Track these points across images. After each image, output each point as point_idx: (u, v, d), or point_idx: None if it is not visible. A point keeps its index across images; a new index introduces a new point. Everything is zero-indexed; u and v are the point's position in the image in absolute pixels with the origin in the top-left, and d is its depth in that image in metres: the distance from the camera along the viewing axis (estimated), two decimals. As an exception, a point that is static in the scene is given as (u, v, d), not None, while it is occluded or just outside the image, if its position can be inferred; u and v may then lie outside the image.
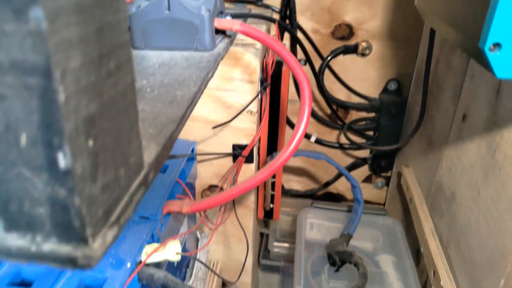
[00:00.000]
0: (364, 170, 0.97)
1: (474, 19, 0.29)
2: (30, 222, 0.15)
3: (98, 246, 0.16)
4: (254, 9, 0.77)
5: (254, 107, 0.56)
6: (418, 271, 0.66)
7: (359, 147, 0.92)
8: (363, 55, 0.85)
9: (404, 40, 0.83)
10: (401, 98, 0.86)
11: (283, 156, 0.42)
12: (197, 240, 0.62)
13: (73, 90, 0.15)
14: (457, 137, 0.58)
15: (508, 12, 0.26)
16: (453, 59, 0.63)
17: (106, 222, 0.17)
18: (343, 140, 0.93)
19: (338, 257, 0.61)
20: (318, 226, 0.75)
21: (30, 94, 0.14)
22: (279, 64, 0.62)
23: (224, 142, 0.59)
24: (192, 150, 0.55)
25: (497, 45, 0.28)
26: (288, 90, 0.67)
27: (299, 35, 0.84)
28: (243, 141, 0.59)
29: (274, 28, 0.69)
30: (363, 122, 0.91)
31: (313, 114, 0.91)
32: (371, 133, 0.91)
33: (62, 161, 0.14)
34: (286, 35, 0.84)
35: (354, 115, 0.91)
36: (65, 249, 0.16)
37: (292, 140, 0.42)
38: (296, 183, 1.01)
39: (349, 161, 0.96)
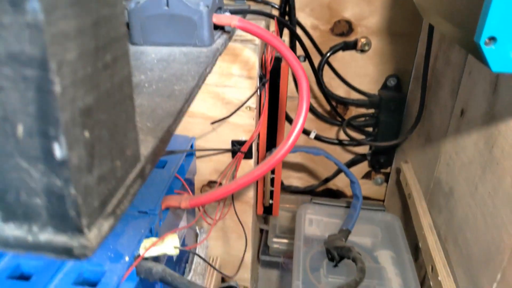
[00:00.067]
0: (363, 167, 0.97)
1: (470, 13, 0.30)
2: (27, 212, 0.16)
3: (94, 236, 0.16)
4: (254, 6, 0.78)
5: (253, 103, 0.57)
6: (417, 267, 0.67)
7: (358, 143, 0.92)
8: (362, 51, 0.85)
9: (403, 36, 0.83)
10: (400, 94, 0.86)
11: (281, 151, 0.42)
12: (197, 235, 0.62)
13: (70, 81, 0.15)
14: (455, 132, 0.58)
15: (503, 6, 0.26)
16: (452, 55, 0.63)
17: (102, 212, 0.17)
18: (342, 136, 0.93)
19: (337, 253, 0.61)
20: (317, 222, 0.76)
21: (27, 85, 0.15)
22: (278, 60, 0.62)
23: (223, 138, 0.59)
24: (191, 146, 0.55)
25: (492, 39, 0.28)
26: (287, 87, 0.67)
27: (299, 31, 0.84)
28: (242, 137, 0.59)
29: (273, 25, 0.69)
30: (363, 119, 0.91)
31: (313, 111, 0.91)
32: (370, 129, 0.91)
33: (58, 151, 0.15)
34: (286, 32, 0.84)
35: (353, 111, 0.91)
36: (61, 239, 0.16)
37: (290, 135, 0.42)
38: (295, 180, 1.01)
39: (348, 157, 0.96)
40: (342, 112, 0.91)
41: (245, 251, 0.61)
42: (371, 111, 0.90)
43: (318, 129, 0.93)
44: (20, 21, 0.14)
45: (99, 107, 0.17)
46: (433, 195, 0.66)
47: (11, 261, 0.31)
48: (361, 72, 0.87)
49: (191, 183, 0.59)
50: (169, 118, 0.27)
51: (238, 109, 0.55)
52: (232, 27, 0.45)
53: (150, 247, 0.35)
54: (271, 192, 0.73)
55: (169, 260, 0.48)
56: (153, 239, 0.36)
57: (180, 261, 0.54)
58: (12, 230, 0.16)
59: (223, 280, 0.70)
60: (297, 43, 0.83)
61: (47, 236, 0.16)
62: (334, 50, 0.85)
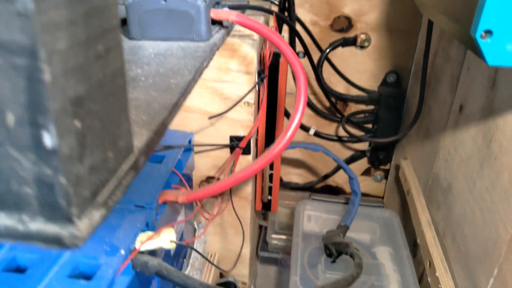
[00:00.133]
0: (363, 163, 0.97)
1: (466, 7, 0.29)
2: (17, 201, 0.16)
3: (84, 226, 0.17)
4: (253, 1, 0.77)
5: (251, 98, 0.57)
6: (415, 263, 0.67)
7: (358, 139, 0.92)
8: (362, 47, 0.85)
9: (403, 32, 0.82)
10: (400, 90, 0.86)
11: (279, 145, 0.42)
12: (195, 230, 0.62)
13: (60, 71, 0.15)
14: (454, 128, 0.58)
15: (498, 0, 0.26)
16: (451, 50, 0.62)
17: (93, 203, 0.17)
18: (341, 133, 0.93)
19: (335, 248, 0.61)
20: (316, 218, 0.76)
21: (17, 74, 0.15)
22: (276, 56, 0.62)
23: (221, 133, 0.59)
24: (189, 142, 0.56)
25: (488, 32, 0.28)
26: (286, 82, 0.67)
27: (298, 27, 0.84)
28: (240, 132, 0.59)
29: (273, 20, 0.69)
30: (362, 115, 0.91)
31: (312, 107, 0.91)
32: (370, 125, 0.91)
33: (49, 140, 0.15)
34: (285, 28, 0.84)
35: (353, 107, 0.91)
36: (52, 228, 0.16)
37: (287, 129, 0.42)
38: (295, 176, 1.01)
39: (347, 153, 0.96)
40: (342, 109, 0.91)
41: (242, 246, 0.62)
42: (371, 107, 0.90)
43: (318, 126, 0.92)
44: (10, 10, 0.14)
45: (91, 98, 0.17)
46: (432, 191, 0.66)
47: (7, 254, 0.32)
48: (360, 68, 0.87)
49: (189, 178, 0.59)
50: (164, 111, 0.27)
51: (236, 104, 0.55)
52: (230, 22, 0.45)
53: (146, 241, 0.35)
54: (270, 188, 0.73)
55: (166, 255, 0.48)
56: (149, 233, 0.36)
57: (178, 256, 0.54)
58: (2, 219, 0.16)
59: (221, 276, 0.70)
60: (297, 39, 0.83)
61: (37, 225, 0.16)
62: (334, 46, 0.84)
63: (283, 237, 0.87)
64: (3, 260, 0.31)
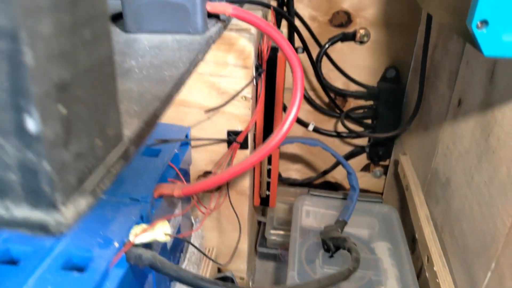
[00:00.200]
0: (362, 159, 0.97)
1: (463, -4, 0.29)
2: (1, 187, 0.16)
3: (70, 213, 0.16)
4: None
5: (248, 92, 0.56)
6: (414, 258, 0.67)
7: (357, 135, 0.92)
8: (361, 42, 0.84)
9: (403, 27, 0.82)
10: (399, 86, 0.86)
11: (275, 139, 0.42)
12: (192, 225, 0.62)
13: (44, 55, 0.15)
14: (452, 122, 0.58)
15: (494, -13, 0.26)
16: (450, 45, 0.62)
17: (80, 190, 0.17)
18: (341, 128, 0.93)
19: (332, 243, 0.61)
20: (314, 213, 0.76)
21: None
22: (274, 51, 0.61)
23: (219, 128, 0.59)
24: (186, 136, 0.55)
25: (484, 22, 0.28)
26: (284, 78, 0.66)
27: (297, 22, 0.83)
28: (238, 127, 0.59)
29: (271, 15, 0.68)
30: (361, 110, 0.90)
31: (311, 103, 0.91)
32: (369, 121, 0.91)
33: (32, 125, 0.14)
34: (284, 23, 0.84)
35: (352, 103, 0.91)
36: (37, 215, 0.16)
37: (284, 122, 0.42)
38: (294, 172, 1.01)
39: (347, 149, 0.95)
40: (341, 104, 0.91)
41: (239, 240, 0.61)
42: (370, 103, 0.89)
43: (317, 122, 0.92)
44: (-9, -7, 0.14)
45: (77, 84, 0.17)
46: (430, 186, 0.66)
47: (0, 246, 0.31)
48: (360, 64, 0.87)
49: (186, 173, 0.59)
50: (156, 102, 0.27)
51: (232, 98, 0.55)
52: (227, 15, 0.45)
53: (140, 234, 0.35)
54: (268, 183, 0.73)
55: (163, 249, 0.48)
56: (144, 225, 0.36)
57: (175, 251, 0.54)
58: (-13, 206, 0.16)
59: (219, 271, 0.70)
60: (295, 35, 0.82)
61: (22, 212, 0.16)
62: (333, 41, 0.84)
63: (282, 232, 0.87)
64: (-4, 252, 0.31)
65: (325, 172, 0.98)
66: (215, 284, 0.34)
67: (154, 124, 0.25)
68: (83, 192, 0.17)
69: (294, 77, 0.42)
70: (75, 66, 0.17)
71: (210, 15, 0.46)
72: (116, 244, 0.33)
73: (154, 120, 0.25)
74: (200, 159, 0.61)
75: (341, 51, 0.86)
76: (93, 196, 0.18)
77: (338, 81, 0.88)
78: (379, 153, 0.93)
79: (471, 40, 0.30)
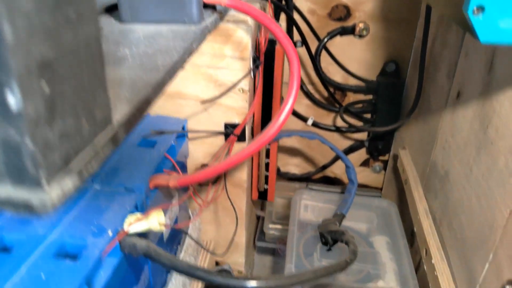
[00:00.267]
0: (361, 154, 0.97)
1: (458, -19, 0.29)
2: (-16, 165, 0.15)
3: (55, 193, 0.16)
4: (250, -11, 0.76)
5: (246, 85, 0.56)
6: (412, 253, 0.66)
7: (356, 129, 0.91)
8: (360, 36, 0.84)
9: (402, 21, 0.81)
10: (399, 80, 0.85)
11: (271, 129, 0.42)
12: (190, 218, 0.62)
13: (24, 31, 0.15)
14: (451, 115, 0.58)
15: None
16: (449, 37, 0.62)
17: (66, 170, 0.17)
18: (340, 123, 0.92)
19: (330, 237, 0.61)
20: (312, 207, 0.75)
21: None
22: (272, 43, 0.61)
23: (216, 120, 0.59)
24: (183, 128, 0.55)
25: (480, 8, 0.27)
26: (283, 71, 0.66)
27: (296, 16, 0.83)
28: (235, 120, 0.58)
29: (270, 9, 0.68)
30: (360, 105, 0.90)
31: (310, 97, 0.91)
32: (368, 115, 0.90)
33: (13, 101, 0.14)
34: (283, 16, 0.83)
35: (351, 97, 0.90)
36: (21, 193, 0.16)
37: (281, 112, 0.41)
38: (293, 167, 1.01)
39: (346, 144, 0.95)
40: (340, 99, 0.90)
41: (235, 231, 0.61)
42: (369, 97, 0.89)
43: (316, 116, 0.92)
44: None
45: (61, 63, 0.16)
46: (429, 180, 0.65)
47: (-7, 234, 0.31)
48: (359, 58, 0.86)
49: (183, 166, 0.59)
50: (147, 88, 0.26)
51: (229, 89, 0.55)
52: (223, 5, 0.44)
53: (135, 223, 0.35)
54: (266, 177, 0.72)
55: (159, 241, 0.48)
56: (138, 214, 0.35)
57: (172, 243, 0.54)
58: (-30, 184, 0.16)
59: (217, 264, 0.70)
60: (294, 28, 0.82)
61: (5, 190, 0.16)
62: (332, 35, 0.84)
63: (280, 227, 0.87)
64: (-11, 239, 0.31)
65: (324, 167, 0.98)
66: (210, 274, 0.34)
67: (145, 110, 0.25)
68: (69, 173, 0.17)
69: (290, 66, 0.41)
70: (59, 44, 0.16)
71: (206, 6, 0.45)
72: (110, 233, 0.33)
73: (145, 106, 0.25)
74: (197, 152, 0.61)
75: (340, 45, 0.85)
76: (80, 177, 0.18)
77: (337, 75, 0.88)
78: (378, 147, 0.92)
79: (468, 27, 0.30)
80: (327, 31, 0.84)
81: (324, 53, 0.86)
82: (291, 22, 0.81)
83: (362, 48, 0.85)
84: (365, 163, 0.98)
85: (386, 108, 0.86)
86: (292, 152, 0.99)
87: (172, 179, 0.43)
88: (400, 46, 0.84)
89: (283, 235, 0.86)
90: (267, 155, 0.71)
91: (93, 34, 0.19)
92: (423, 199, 0.65)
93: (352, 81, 0.88)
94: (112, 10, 0.47)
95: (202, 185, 0.63)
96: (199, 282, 0.58)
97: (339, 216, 0.64)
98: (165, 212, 0.45)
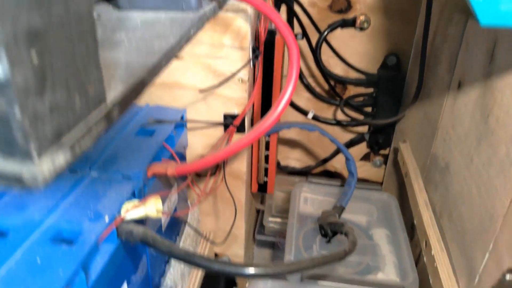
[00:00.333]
0: (362, 148, 0.96)
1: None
2: (-27, 136, 0.15)
3: (46, 166, 0.16)
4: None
5: (245, 75, 0.56)
6: (412, 245, 0.66)
7: (356, 122, 0.91)
8: (361, 29, 0.83)
9: (403, 13, 0.81)
10: (399, 73, 0.85)
11: (270, 118, 0.41)
12: (189, 209, 0.62)
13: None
14: (452, 107, 0.57)
15: None
16: (450, 28, 0.61)
17: (57, 144, 0.17)
18: (340, 117, 0.92)
19: (330, 228, 0.61)
20: (312, 200, 0.75)
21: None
22: (271, 34, 0.61)
23: (215, 111, 0.58)
24: (182, 118, 0.55)
25: (481, -11, 0.27)
26: (283, 62, 0.66)
27: (296, 8, 0.82)
28: (235, 110, 0.58)
29: (270, 0, 0.67)
30: (361, 98, 0.89)
31: (311, 90, 0.90)
32: (369, 109, 0.90)
33: (0, 70, 0.14)
34: (283, 9, 0.83)
35: (352, 90, 0.90)
36: (11, 166, 0.15)
37: (280, 100, 0.41)
38: (293, 161, 1.01)
39: (346, 138, 0.95)
40: (341, 92, 0.90)
41: (234, 221, 0.61)
42: (370, 90, 0.89)
43: (316, 110, 0.91)
44: None
45: (51, 34, 0.16)
46: (430, 172, 0.65)
47: (-11, 218, 0.31)
48: (360, 51, 0.86)
49: (182, 157, 0.58)
50: (143, 70, 0.26)
51: (228, 78, 0.54)
52: (221, -7, 0.44)
53: (132, 209, 0.34)
54: (266, 170, 0.72)
55: (158, 231, 0.48)
56: (135, 201, 0.35)
57: (170, 234, 0.54)
58: (-42, 156, 0.15)
59: (216, 256, 0.70)
60: (295, 21, 0.81)
61: (-5, 162, 0.15)
62: (333, 27, 0.83)
63: (280, 220, 0.86)
64: (-16, 224, 0.31)
65: (325, 161, 0.97)
66: (207, 260, 0.33)
67: (140, 90, 0.25)
68: (61, 147, 0.17)
69: (290, 54, 0.41)
70: (49, 15, 0.16)
71: (205, -7, 0.45)
72: (107, 219, 0.33)
73: (140, 87, 0.25)
74: (197, 143, 0.61)
75: (341, 38, 0.85)
76: (72, 152, 0.18)
77: (337, 68, 0.88)
78: (379, 141, 0.92)
79: (469, 10, 0.29)
80: (328, 24, 0.83)
81: (324, 46, 0.85)
82: (291, 14, 0.81)
83: (363, 40, 0.84)
84: (365, 157, 0.98)
85: (386, 101, 0.86)
86: (292, 145, 0.99)
87: (170, 168, 0.42)
88: (401, 39, 0.83)
89: (282, 228, 0.86)
90: (267, 148, 0.70)
91: (85, 9, 0.18)
92: (423, 191, 0.65)
93: (353, 74, 0.88)
94: (110, -2, 0.46)
95: (200, 176, 0.63)
96: (198, 272, 0.58)
97: (339, 209, 0.64)
98: (163, 200, 0.45)
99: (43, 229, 0.31)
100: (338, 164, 0.99)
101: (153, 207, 0.35)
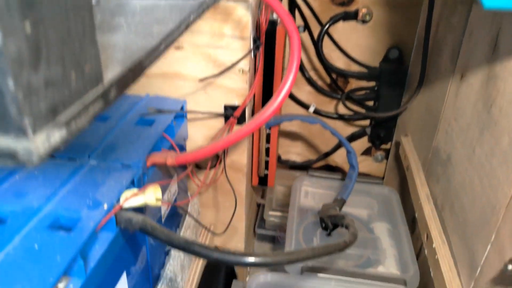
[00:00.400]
0: (363, 142, 0.96)
1: None
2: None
3: (40, 142, 0.16)
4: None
5: (246, 65, 0.55)
6: (413, 239, 0.66)
7: (358, 117, 0.90)
8: (363, 21, 0.83)
9: (406, 6, 0.80)
10: (402, 66, 0.84)
11: (270, 107, 0.41)
12: (189, 201, 0.62)
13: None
14: (454, 98, 0.57)
15: None
16: (453, 18, 0.60)
17: (52, 121, 0.16)
18: (342, 110, 0.92)
19: (330, 221, 0.60)
20: (313, 194, 0.75)
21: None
22: (273, 24, 0.60)
23: (216, 102, 0.58)
24: (182, 108, 0.54)
25: (486, -30, 0.26)
26: (284, 53, 0.65)
27: (298, 0, 0.81)
28: (235, 101, 0.58)
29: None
30: (363, 92, 0.89)
31: (312, 84, 0.90)
32: (371, 103, 0.89)
33: (-7, 38, 0.14)
34: (285, 1, 0.82)
35: (353, 84, 0.89)
36: (6, 142, 0.15)
37: (281, 89, 0.41)
38: (294, 155, 1.00)
39: (348, 132, 0.94)
40: (342, 85, 0.89)
41: (234, 212, 0.60)
42: (372, 84, 0.88)
43: (318, 103, 0.91)
44: None
45: (45, 5, 0.16)
46: (431, 165, 0.64)
47: (-14, 205, 0.31)
48: (361, 44, 0.85)
49: (182, 148, 0.58)
50: (141, 52, 0.26)
51: (228, 68, 0.54)
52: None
53: (131, 197, 0.34)
54: (267, 163, 0.72)
55: (158, 222, 0.48)
56: (134, 190, 0.35)
57: (170, 225, 0.54)
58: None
59: (216, 248, 0.69)
60: (297, 13, 0.81)
61: (-12, 137, 0.15)
62: (334, 20, 0.82)
63: (280, 214, 0.86)
64: (-18, 210, 0.30)
65: (326, 155, 0.97)
66: (206, 248, 0.33)
67: (138, 72, 0.25)
68: (57, 124, 0.17)
69: (291, 43, 0.41)
70: (44, -13, 0.16)
71: (206, -19, 0.44)
72: (105, 206, 0.32)
73: (138, 68, 0.25)
74: (197, 135, 0.60)
75: (343, 31, 0.84)
76: (68, 129, 0.17)
77: (339, 62, 0.87)
78: (380, 135, 0.91)
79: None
80: (330, 16, 0.83)
81: (326, 39, 0.85)
82: (293, 6, 0.80)
83: (365, 33, 0.84)
84: (367, 152, 0.97)
85: (388, 95, 0.85)
86: (293, 140, 0.98)
87: (170, 157, 0.42)
88: (403, 31, 0.82)
89: (283, 222, 0.85)
90: (268, 140, 0.70)
91: (81, -16, 0.18)
92: (424, 185, 0.64)
93: (355, 68, 0.87)
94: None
95: (201, 169, 0.63)
96: (198, 264, 0.58)
97: (340, 201, 0.64)
98: (163, 190, 0.45)
99: (41, 216, 0.31)
100: (339, 158, 0.98)
101: (152, 196, 0.34)
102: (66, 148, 0.41)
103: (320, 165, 1.00)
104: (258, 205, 0.93)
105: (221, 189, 0.65)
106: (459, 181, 0.52)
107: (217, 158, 0.60)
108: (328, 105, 0.92)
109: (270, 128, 0.68)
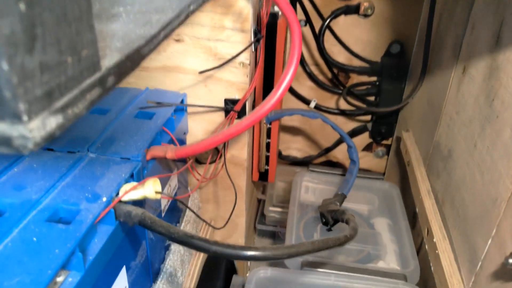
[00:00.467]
0: (364, 138, 0.95)
1: None
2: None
3: (36, 127, 0.15)
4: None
5: (246, 58, 0.55)
6: (414, 234, 0.65)
7: (359, 112, 0.90)
8: (365, 16, 0.82)
9: (408, 0, 0.80)
10: (403, 61, 0.84)
11: (271, 100, 0.41)
12: (189, 196, 0.61)
13: None
14: (456, 92, 0.56)
15: None
16: (455, 11, 0.60)
17: (48, 106, 0.16)
18: (343, 106, 0.91)
19: (331, 216, 0.60)
20: (313, 189, 0.74)
21: None
22: (274, 17, 0.60)
23: (216, 96, 0.57)
24: (182, 102, 0.54)
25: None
26: (285, 46, 0.65)
27: (299, -6, 0.81)
28: (236, 95, 0.57)
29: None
30: (364, 87, 0.88)
31: (313, 79, 0.89)
32: (372, 98, 0.89)
33: (-14, 18, 0.13)
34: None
35: (355, 79, 0.89)
36: (1, 128, 0.15)
37: (281, 83, 0.40)
38: (295, 151, 1.00)
39: (349, 127, 0.94)
40: (344, 80, 0.89)
41: (234, 206, 0.60)
42: (373, 79, 0.87)
43: (319, 99, 0.90)
44: None
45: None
46: (432, 160, 0.64)
47: (-16, 197, 0.31)
48: (363, 38, 0.84)
49: (182, 142, 0.58)
50: (140, 40, 0.25)
51: (229, 61, 0.53)
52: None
53: (130, 190, 0.34)
54: (267, 158, 0.71)
55: (158, 217, 0.47)
56: (134, 183, 0.35)
57: (170, 220, 0.53)
58: None
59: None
60: (298, 7, 0.80)
61: (-17, 122, 0.15)
62: (336, 14, 0.82)
63: (281, 210, 0.86)
64: (-21, 201, 0.30)
65: (327, 151, 0.96)
66: (206, 242, 0.33)
67: (136, 61, 0.24)
68: (53, 110, 0.16)
69: (292, 34, 0.40)
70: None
71: (206, -27, 0.44)
72: (104, 199, 0.32)
73: (136, 56, 0.24)
74: (197, 129, 0.60)
75: (344, 25, 0.84)
76: (64, 116, 0.17)
77: (341, 56, 0.86)
78: (381, 131, 0.91)
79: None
80: (331, 10, 0.82)
81: (328, 34, 0.84)
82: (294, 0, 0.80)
83: (367, 28, 0.83)
84: (368, 148, 0.97)
85: (390, 90, 0.85)
86: (294, 135, 0.98)
87: (169, 151, 0.42)
88: (405, 26, 0.82)
89: (283, 218, 0.85)
90: (268, 135, 0.69)
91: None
92: (425, 180, 0.64)
93: (356, 62, 0.86)
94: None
95: (201, 163, 0.62)
96: (198, 259, 0.58)
97: (340, 196, 0.64)
98: (163, 184, 0.44)
99: (40, 209, 0.30)
100: (340, 154, 0.98)
101: (151, 189, 0.34)
102: (65, 141, 0.41)
103: (321, 160, 0.99)
104: (259, 201, 0.92)
105: (221, 183, 0.65)
106: (460, 175, 0.52)
107: (217, 153, 0.60)
108: (329, 100, 0.92)
109: (270, 123, 0.68)
